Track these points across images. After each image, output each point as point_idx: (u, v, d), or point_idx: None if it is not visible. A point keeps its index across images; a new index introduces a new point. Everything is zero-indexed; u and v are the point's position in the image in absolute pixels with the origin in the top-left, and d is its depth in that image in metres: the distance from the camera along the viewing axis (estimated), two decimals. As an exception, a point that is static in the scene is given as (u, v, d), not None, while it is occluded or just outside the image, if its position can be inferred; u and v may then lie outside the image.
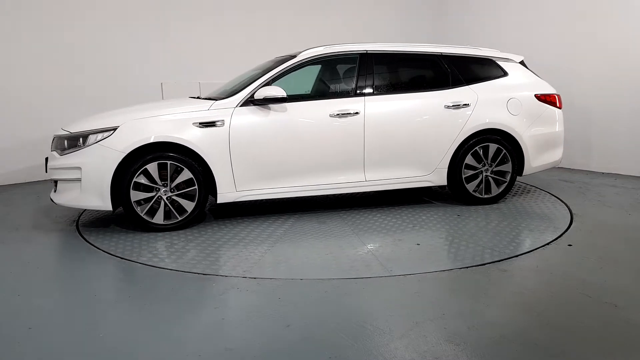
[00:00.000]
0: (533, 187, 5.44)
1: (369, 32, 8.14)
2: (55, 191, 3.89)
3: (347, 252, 3.36)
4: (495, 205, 4.61)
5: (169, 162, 3.75)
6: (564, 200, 4.80)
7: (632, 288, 2.75)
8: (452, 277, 2.92)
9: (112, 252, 3.40)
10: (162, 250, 3.42)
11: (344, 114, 4.15)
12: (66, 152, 3.77)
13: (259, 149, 3.96)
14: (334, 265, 3.11)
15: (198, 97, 4.62)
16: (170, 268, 3.09)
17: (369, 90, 4.31)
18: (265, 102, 3.94)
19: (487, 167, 4.57)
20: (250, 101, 3.95)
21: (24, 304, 2.62)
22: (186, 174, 3.78)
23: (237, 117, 3.90)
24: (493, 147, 4.53)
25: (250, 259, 3.24)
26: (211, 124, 3.84)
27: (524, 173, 4.68)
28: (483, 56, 4.77)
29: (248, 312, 2.49)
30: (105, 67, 6.16)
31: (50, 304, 2.66)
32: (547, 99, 4.76)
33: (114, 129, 3.70)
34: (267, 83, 4.01)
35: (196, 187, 3.82)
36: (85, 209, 4.44)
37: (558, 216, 4.24)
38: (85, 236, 3.78)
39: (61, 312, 2.57)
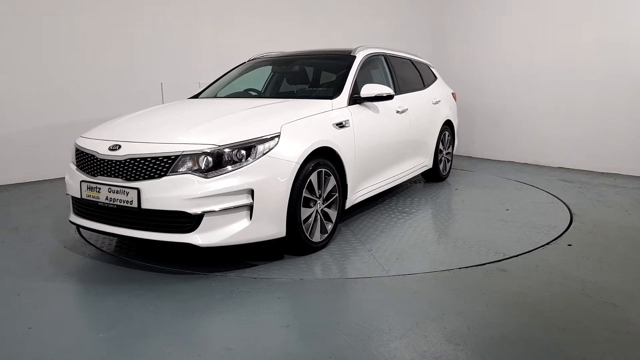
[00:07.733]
0: (533, 187, 5.44)
1: (364, 33, 8.15)
2: (192, 230, 2.81)
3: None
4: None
5: (323, 170, 3.31)
6: (564, 200, 4.80)
7: (632, 288, 2.75)
8: (452, 277, 2.92)
9: (111, 252, 3.40)
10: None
11: (404, 110, 4.57)
12: (218, 172, 2.82)
13: (370, 147, 3.92)
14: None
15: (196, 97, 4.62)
16: (169, 268, 3.09)
17: (401, 88, 4.72)
18: (375, 99, 3.90)
19: (446, 150, 5.73)
20: (353, 99, 3.85)
21: (24, 304, 2.62)
22: (332, 181, 3.40)
23: (354, 116, 3.74)
24: (447, 134, 5.73)
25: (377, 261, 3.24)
26: (342, 125, 3.58)
27: (454, 152, 6.04)
28: (426, 62, 5.78)
29: (248, 312, 2.49)
30: (105, 67, 6.15)
31: (50, 304, 2.66)
32: (454, 96, 6.12)
33: (277, 136, 3.04)
34: (356, 81, 3.98)
35: (337, 193, 3.45)
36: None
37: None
38: (84, 236, 3.78)
39: (61, 312, 2.56)
